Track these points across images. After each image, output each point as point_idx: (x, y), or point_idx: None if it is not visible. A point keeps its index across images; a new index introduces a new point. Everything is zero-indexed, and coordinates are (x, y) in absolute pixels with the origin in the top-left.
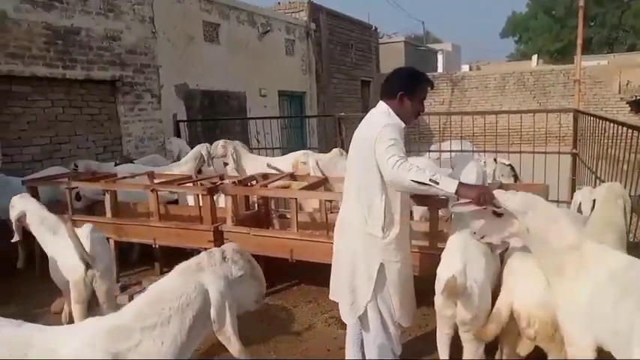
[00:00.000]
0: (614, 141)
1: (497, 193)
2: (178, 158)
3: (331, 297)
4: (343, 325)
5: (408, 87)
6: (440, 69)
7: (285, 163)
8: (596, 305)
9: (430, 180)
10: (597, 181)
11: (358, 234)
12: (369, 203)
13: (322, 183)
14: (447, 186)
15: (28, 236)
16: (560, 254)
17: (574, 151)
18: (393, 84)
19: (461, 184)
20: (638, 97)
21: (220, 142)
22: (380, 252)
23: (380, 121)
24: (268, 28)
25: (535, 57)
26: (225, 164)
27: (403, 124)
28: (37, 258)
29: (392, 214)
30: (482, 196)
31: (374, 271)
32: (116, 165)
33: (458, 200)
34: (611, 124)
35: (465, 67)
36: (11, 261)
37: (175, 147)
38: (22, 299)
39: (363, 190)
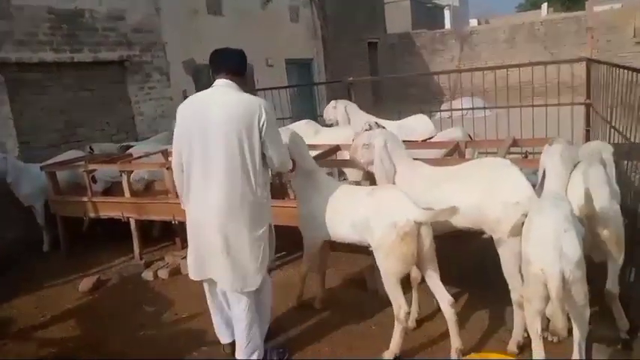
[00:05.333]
0: (629, 88)
1: None
2: None
3: (198, 277)
4: (361, 289)
5: (246, 66)
6: (447, 25)
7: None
8: (326, 213)
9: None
10: (612, 130)
11: (244, 211)
12: (255, 175)
13: (335, 150)
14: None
15: (52, 220)
16: (304, 180)
17: (588, 101)
18: (241, 62)
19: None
20: None
21: None
22: (266, 214)
23: (249, 99)
24: None
25: (545, 6)
26: None
27: None
28: (62, 240)
29: (267, 175)
30: None
31: (265, 233)
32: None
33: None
34: (626, 71)
35: (474, 22)
36: (37, 245)
37: None
38: (50, 280)
39: (241, 167)
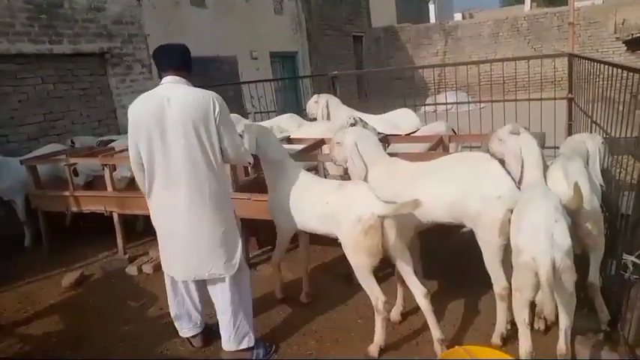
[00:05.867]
0: (609, 83)
1: None
2: None
3: (187, 278)
4: (349, 282)
5: (191, 61)
6: (432, 19)
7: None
8: (294, 203)
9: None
10: (593, 125)
11: (213, 200)
12: (217, 166)
13: (320, 144)
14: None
15: (33, 214)
16: (274, 169)
17: (570, 95)
18: (186, 57)
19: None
20: (634, 35)
21: None
22: (230, 203)
23: (201, 92)
24: None
25: (528, 0)
26: None
27: None
28: (43, 236)
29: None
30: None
31: (233, 216)
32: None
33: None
34: (606, 67)
35: (458, 16)
36: (18, 240)
37: None
38: (33, 275)
39: (204, 160)
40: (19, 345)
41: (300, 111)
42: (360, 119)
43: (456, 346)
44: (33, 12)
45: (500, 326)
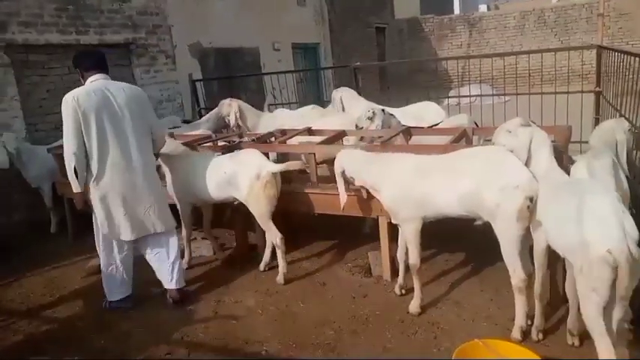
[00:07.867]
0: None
1: None
2: None
3: (136, 236)
4: (366, 274)
5: None
6: (456, 10)
7: (297, 117)
8: (193, 181)
9: None
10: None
11: (154, 167)
12: (150, 143)
13: (341, 136)
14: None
15: (59, 202)
16: (173, 157)
17: (597, 89)
18: (105, 59)
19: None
20: None
21: (226, 101)
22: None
23: (133, 86)
24: None
25: None
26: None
27: None
28: (68, 222)
29: None
30: None
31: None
32: None
33: None
34: (637, 59)
35: (483, 7)
36: (45, 226)
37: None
38: (58, 260)
39: (145, 138)
40: (46, 327)
41: (322, 102)
42: (382, 110)
43: (475, 339)
44: (60, 3)
45: (520, 320)
